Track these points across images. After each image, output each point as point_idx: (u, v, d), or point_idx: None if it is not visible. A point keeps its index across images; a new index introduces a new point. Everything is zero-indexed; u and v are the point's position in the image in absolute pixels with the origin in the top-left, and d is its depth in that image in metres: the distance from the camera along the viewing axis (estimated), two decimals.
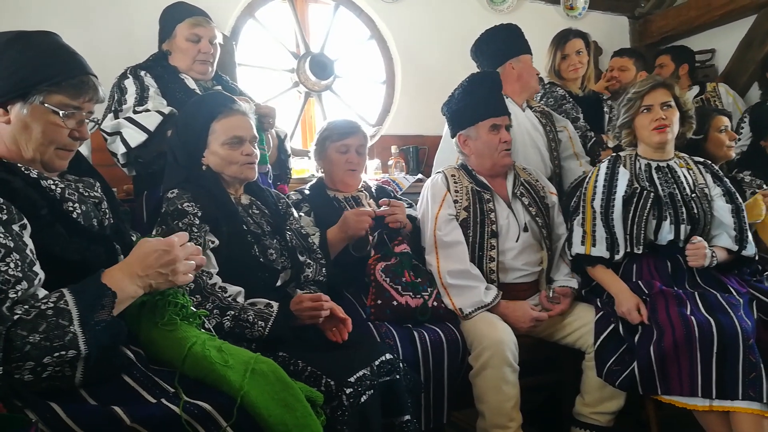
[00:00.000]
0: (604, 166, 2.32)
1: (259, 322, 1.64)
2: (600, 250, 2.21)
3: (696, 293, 2.04)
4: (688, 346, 1.85)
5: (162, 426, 1.02)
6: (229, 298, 1.68)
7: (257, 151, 1.92)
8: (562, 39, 3.15)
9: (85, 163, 1.40)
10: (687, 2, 4.39)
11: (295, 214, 2.12)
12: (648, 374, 1.90)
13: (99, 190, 1.34)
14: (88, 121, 1.29)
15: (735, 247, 2.21)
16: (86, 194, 1.29)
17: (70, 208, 1.22)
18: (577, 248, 2.26)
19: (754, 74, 4.12)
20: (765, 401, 1.78)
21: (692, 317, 1.90)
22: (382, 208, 2.24)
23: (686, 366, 1.85)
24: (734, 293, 2.09)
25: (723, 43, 4.32)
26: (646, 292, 2.09)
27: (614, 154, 2.39)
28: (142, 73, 2.29)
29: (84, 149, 2.33)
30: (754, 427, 1.79)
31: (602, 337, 2.09)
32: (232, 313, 1.64)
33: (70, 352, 1.00)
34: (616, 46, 4.35)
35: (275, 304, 1.70)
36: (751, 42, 4.11)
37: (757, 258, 2.27)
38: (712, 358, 1.83)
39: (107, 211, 1.32)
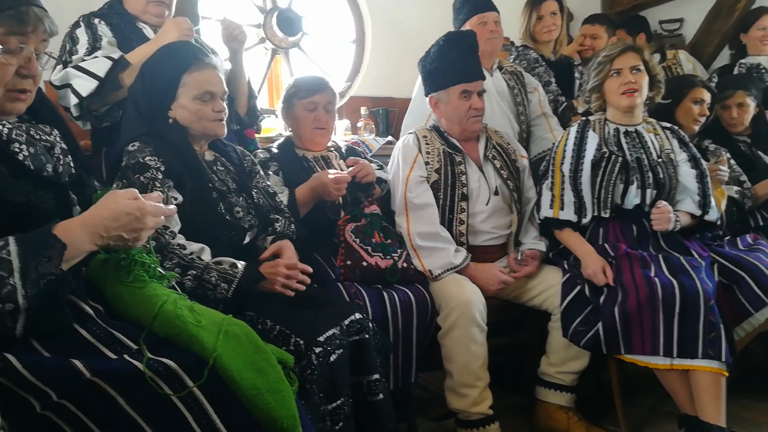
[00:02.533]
0: (573, 131, 2.33)
1: (222, 284, 1.58)
2: (568, 214, 2.23)
3: (660, 256, 2.09)
4: (651, 307, 1.89)
5: (124, 381, 0.99)
6: (191, 256, 1.61)
7: (226, 108, 1.85)
8: (537, 0, 3.12)
9: (49, 111, 1.31)
10: None
11: (261, 172, 2.07)
12: (612, 334, 1.95)
13: (57, 138, 1.26)
14: (40, 56, 1.19)
15: (698, 212, 2.25)
16: (37, 137, 1.21)
17: (16, 149, 1.14)
18: (546, 212, 2.27)
19: (720, 45, 4.17)
20: (723, 360, 1.84)
21: (656, 279, 1.94)
22: (349, 170, 2.20)
23: (649, 326, 1.90)
24: (696, 256, 2.14)
25: (692, 12, 4.35)
26: (612, 254, 2.13)
27: (584, 118, 2.40)
28: (96, 20, 2.14)
29: None
30: (712, 385, 1.85)
31: (568, 299, 2.12)
32: (194, 272, 1.58)
33: (7, 305, 0.94)
34: (587, 12, 4.32)
35: (240, 265, 1.64)
36: (719, 12, 4.15)
37: (719, 223, 2.32)
38: (673, 318, 1.88)
39: (61, 157, 1.25)
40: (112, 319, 1.16)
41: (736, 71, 3.51)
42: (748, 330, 2.11)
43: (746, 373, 2.55)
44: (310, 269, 1.73)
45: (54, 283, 0.99)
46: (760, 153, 2.90)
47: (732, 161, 2.79)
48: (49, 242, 1.01)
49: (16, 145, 1.15)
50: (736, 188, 2.68)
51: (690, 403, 1.91)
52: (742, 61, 3.56)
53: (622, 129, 2.30)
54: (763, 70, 3.45)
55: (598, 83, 2.33)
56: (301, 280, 1.70)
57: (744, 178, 2.74)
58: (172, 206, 1.25)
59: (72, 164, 1.28)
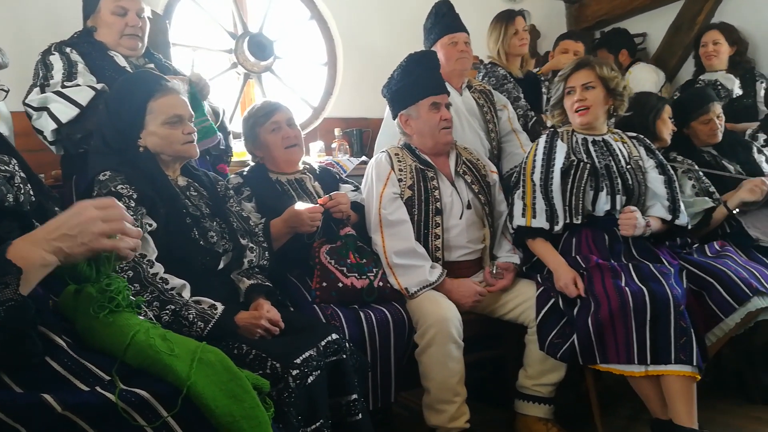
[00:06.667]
0: (542, 141, 2.39)
1: (199, 323, 1.58)
2: (540, 222, 2.27)
3: (630, 264, 2.12)
4: (623, 315, 1.92)
5: (97, 414, 0.97)
6: (172, 291, 1.61)
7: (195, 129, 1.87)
8: (509, 17, 3.23)
9: (1, 140, 1.31)
10: None
11: (234, 196, 2.08)
12: (587, 345, 1.97)
13: (16, 167, 1.26)
14: None
15: (669, 217, 2.30)
16: None
17: None
18: (518, 220, 2.31)
19: (682, 57, 4.30)
20: (694, 364, 1.88)
21: (626, 288, 1.98)
22: (321, 198, 2.21)
23: (622, 334, 1.93)
24: (666, 264, 2.18)
25: (654, 27, 4.47)
26: (583, 266, 2.16)
27: (551, 129, 2.46)
28: (68, 49, 2.17)
29: (5, 130, 2.21)
30: (684, 388, 1.89)
31: (543, 312, 2.15)
32: (173, 307, 1.58)
33: None
34: (553, 29, 4.45)
35: (220, 307, 1.64)
36: (680, 26, 4.28)
37: (689, 227, 2.38)
38: (645, 325, 1.91)
39: (22, 186, 1.24)
40: (84, 350, 1.14)
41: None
42: (719, 335, 2.14)
43: (719, 378, 2.60)
44: (283, 325, 1.73)
45: (15, 310, 0.96)
46: (725, 163, 2.97)
47: (700, 172, 2.86)
48: (4, 268, 0.97)
49: None
50: (708, 199, 2.73)
51: (662, 408, 1.95)
52: (702, 77, 3.71)
53: (590, 138, 2.36)
54: (720, 87, 3.57)
55: (557, 101, 2.42)
56: (276, 330, 1.72)
57: (713, 189, 2.79)
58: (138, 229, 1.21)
59: (32, 192, 1.28)
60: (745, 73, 3.71)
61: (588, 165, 2.28)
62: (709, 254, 2.43)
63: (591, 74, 2.31)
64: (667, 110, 2.79)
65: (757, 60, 3.89)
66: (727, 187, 2.81)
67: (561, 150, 2.32)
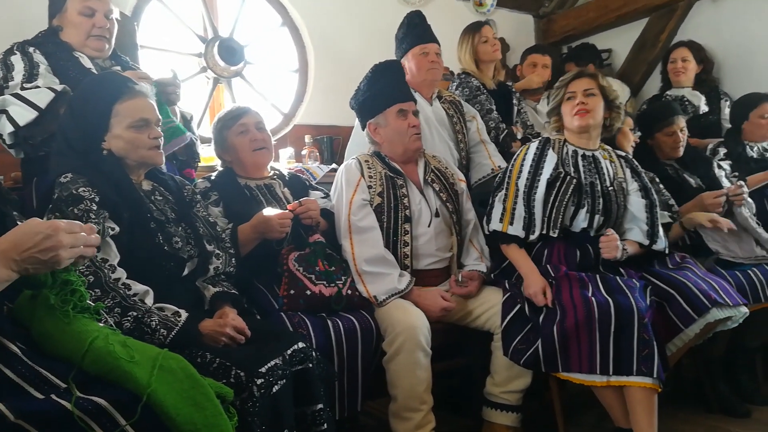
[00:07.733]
0: (533, 146, 2.37)
1: (162, 330, 1.54)
2: (516, 229, 2.27)
3: (598, 276, 2.14)
4: (588, 325, 1.95)
5: (51, 423, 0.94)
6: (135, 297, 1.57)
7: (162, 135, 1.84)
8: (477, 26, 3.26)
9: None
10: (587, 4, 4.64)
11: (201, 201, 2.04)
12: (550, 353, 1.99)
13: None
14: None
15: (646, 242, 2.32)
16: None
17: None
18: (495, 225, 2.31)
19: (646, 73, 4.42)
20: (655, 376, 1.90)
21: (593, 298, 2.00)
22: (290, 204, 2.19)
23: (586, 344, 1.95)
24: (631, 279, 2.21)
25: (619, 43, 4.59)
26: (553, 275, 2.18)
27: (545, 136, 2.45)
28: (31, 49, 2.11)
29: None
30: (645, 400, 1.92)
31: (509, 318, 2.15)
32: (135, 314, 1.53)
33: None
34: (522, 43, 4.53)
35: (184, 314, 1.60)
36: (644, 43, 4.41)
37: (667, 252, 2.41)
38: (609, 336, 1.93)
39: None
40: (39, 357, 1.11)
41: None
42: (679, 345, 2.18)
43: (679, 388, 2.66)
44: (249, 334, 1.70)
45: None
46: (686, 176, 3.05)
47: (661, 185, 2.93)
48: None
49: None
50: (667, 213, 2.80)
51: (625, 417, 1.98)
52: (668, 92, 3.83)
53: (581, 152, 2.36)
54: (687, 103, 3.68)
55: (555, 106, 2.42)
56: (242, 339, 1.69)
57: (672, 201, 2.87)
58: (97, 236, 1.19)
59: None
60: (710, 91, 3.84)
61: (574, 180, 2.27)
62: (669, 266, 2.47)
63: (593, 83, 2.33)
64: (628, 122, 2.85)
65: (721, 79, 4.02)
66: (686, 198, 2.88)
67: (551, 160, 2.31)
